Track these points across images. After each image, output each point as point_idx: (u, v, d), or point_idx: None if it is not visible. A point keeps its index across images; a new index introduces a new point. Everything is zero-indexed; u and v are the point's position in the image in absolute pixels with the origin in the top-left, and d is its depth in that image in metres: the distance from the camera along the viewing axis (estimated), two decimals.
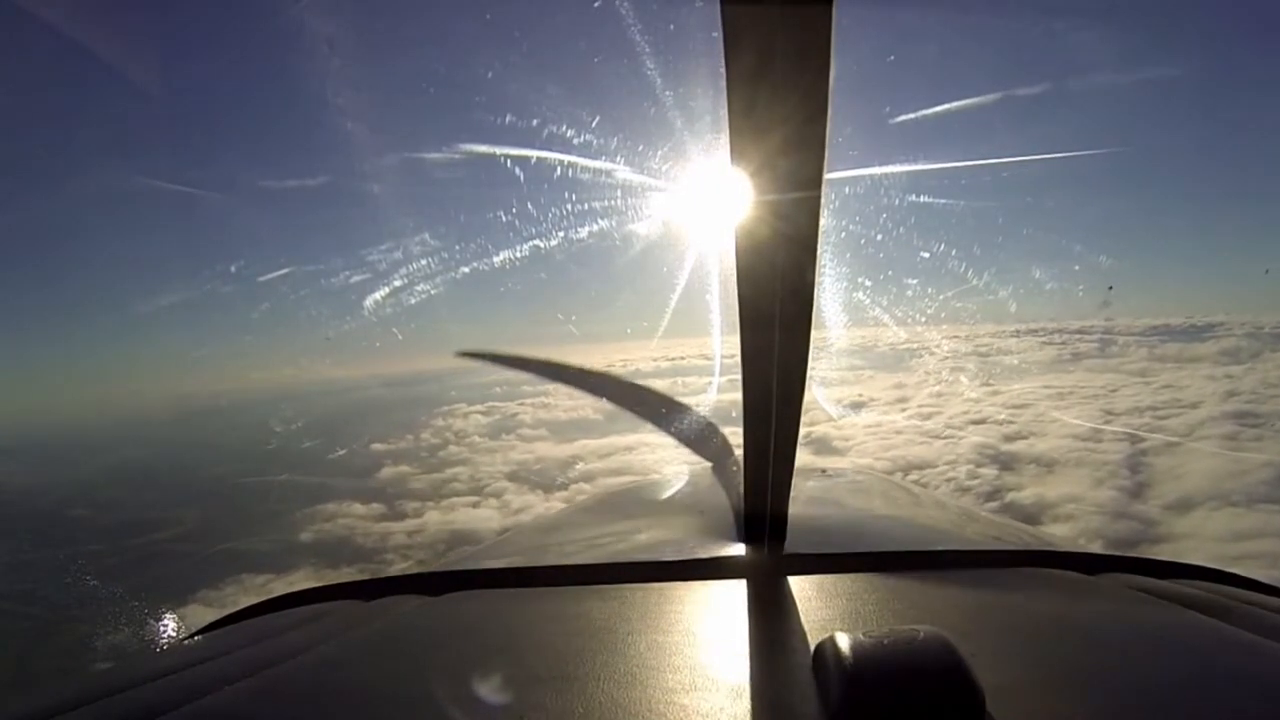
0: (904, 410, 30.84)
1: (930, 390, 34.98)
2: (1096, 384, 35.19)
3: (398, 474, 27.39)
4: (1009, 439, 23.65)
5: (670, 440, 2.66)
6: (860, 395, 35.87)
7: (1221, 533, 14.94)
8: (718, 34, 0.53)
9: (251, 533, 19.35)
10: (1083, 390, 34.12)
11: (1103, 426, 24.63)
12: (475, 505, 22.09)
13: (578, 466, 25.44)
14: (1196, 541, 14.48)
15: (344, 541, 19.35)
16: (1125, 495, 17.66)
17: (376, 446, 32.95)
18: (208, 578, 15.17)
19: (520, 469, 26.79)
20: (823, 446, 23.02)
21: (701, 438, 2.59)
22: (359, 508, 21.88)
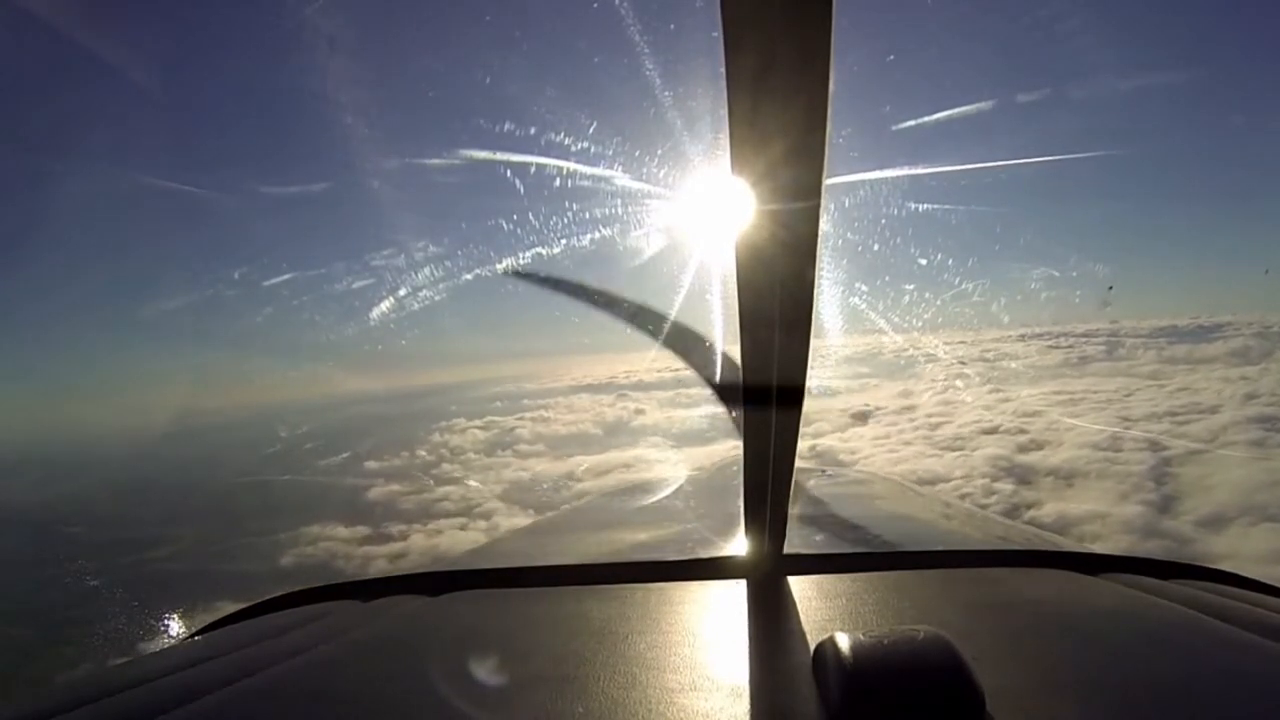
0: (912, 420, 29.91)
1: (938, 398, 34.09)
2: (1108, 388, 34.36)
3: (388, 494, 26.62)
4: (1023, 449, 22.70)
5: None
6: (866, 404, 35.05)
7: (1263, 552, 13.87)
8: (718, 33, 0.53)
9: (232, 556, 19.03)
10: (1095, 395, 33.20)
11: (1121, 433, 23.65)
12: (463, 527, 21.36)
13: (574, 486, 24.75)
14: (1238, 562, 13.34)
15: (323, 566, 18.70)
16: (1154, 510, 16.58)
17: (370, 464, 32.36)
18: (182, 602, 14.61)
19: (513, 488, 26.09)
20: (828, 460, 22.04)
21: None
22: (343, 530, 21.25)
